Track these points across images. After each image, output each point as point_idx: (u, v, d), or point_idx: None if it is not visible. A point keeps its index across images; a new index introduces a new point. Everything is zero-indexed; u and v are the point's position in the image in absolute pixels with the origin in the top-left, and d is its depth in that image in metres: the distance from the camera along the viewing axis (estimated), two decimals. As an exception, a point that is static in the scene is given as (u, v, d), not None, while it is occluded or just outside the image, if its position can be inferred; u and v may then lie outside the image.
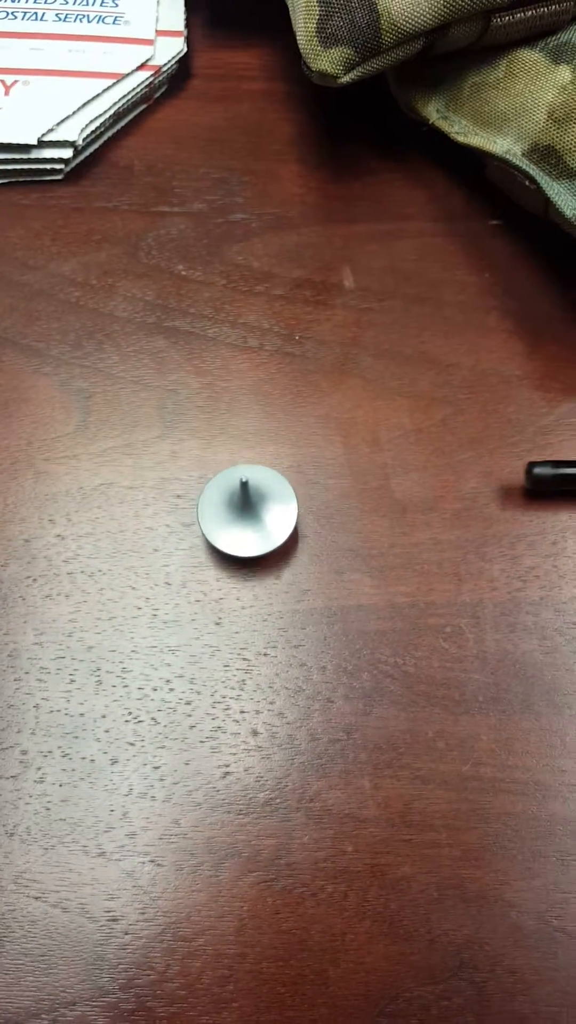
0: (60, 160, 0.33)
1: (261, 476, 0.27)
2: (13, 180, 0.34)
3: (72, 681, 0.26)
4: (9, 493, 0.29)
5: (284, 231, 0.34)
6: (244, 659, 0.27)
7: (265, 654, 0.27)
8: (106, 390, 0.30)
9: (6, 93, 0.34)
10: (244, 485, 0.25)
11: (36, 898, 0.24)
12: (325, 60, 0.29)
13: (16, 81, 0.34)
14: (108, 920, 0.24)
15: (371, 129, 0.36)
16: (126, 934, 0.24)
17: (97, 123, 0.34)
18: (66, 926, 0.24)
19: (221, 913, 0.24)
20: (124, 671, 0.26)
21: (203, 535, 0.27)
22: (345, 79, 0.29)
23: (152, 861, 0.24)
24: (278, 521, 0.27)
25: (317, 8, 0.28)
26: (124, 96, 0.34)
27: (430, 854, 0.24)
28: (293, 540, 0.28)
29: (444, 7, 0.28)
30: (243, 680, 0.27)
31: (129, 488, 0.29)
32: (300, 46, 0.29)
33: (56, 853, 0.24)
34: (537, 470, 0.28)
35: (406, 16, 0.28)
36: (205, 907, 0.24)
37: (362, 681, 0.26)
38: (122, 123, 0.35)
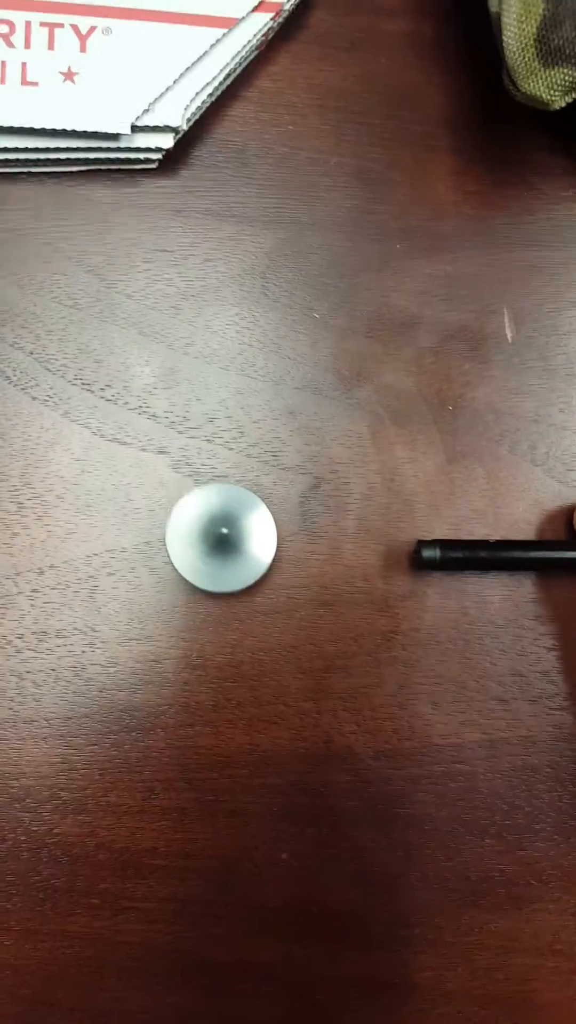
0: (157, 149, 0.26)
1: (231, 499, 0.25)
2: (93, 168, 0.27)
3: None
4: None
5: (435, 255, 0.27)
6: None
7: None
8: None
9: (82, 48, 0.25)
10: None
11: None
12: (542, 83, 0.21)
13: (94, 28, 0.25)
14: None
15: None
16: None
17: (204, 95, 0.26)
18: None
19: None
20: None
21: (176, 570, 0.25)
22: (560, 103, 0.22)
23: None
24: (257, 549, 0.25)
25: (542, 7, 0.21)
26: (238, 52, 0.26)
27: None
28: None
29: None
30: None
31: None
32: (507, 55, 0.22)
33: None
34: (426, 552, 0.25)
35: None
36: None
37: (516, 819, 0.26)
38: (228, 82, 0.27)
